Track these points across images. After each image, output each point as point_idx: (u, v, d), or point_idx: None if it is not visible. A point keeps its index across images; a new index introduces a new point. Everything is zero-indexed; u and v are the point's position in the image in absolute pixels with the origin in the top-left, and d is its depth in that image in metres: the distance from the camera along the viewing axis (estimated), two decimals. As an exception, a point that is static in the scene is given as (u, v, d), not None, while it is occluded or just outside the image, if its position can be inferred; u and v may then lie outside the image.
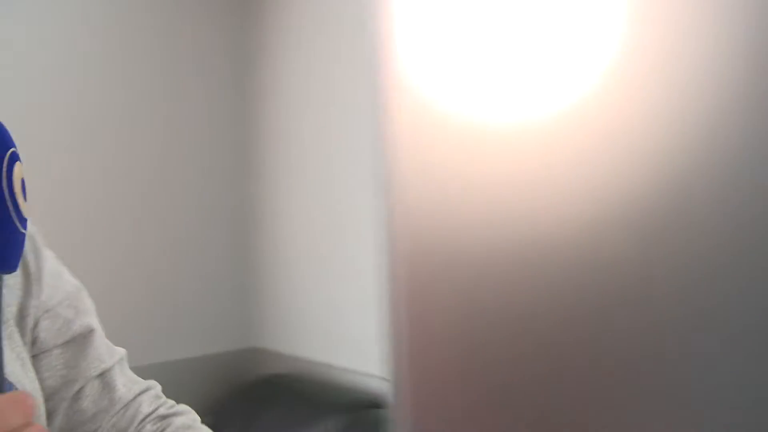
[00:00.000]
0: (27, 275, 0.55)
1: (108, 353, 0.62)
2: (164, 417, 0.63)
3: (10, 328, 0.52)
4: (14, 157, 0.43)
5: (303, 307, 1.88)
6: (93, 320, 0.62)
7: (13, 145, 0.44)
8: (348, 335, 1.70)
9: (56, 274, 0.59)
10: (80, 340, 0.59)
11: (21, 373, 0.53)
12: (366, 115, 1.52)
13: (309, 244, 1.87)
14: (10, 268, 0.42)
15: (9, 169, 0.41)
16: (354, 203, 1.69)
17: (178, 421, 0.63)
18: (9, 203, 0.41)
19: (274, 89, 2.00)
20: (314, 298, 1.85)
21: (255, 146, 2.05)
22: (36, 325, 0.56)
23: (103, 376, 0.61)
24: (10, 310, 0.52)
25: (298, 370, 1.82)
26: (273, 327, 1.97)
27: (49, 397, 0.57)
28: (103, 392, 0.60)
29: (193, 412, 0.66)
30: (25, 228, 0.43)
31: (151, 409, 0.63)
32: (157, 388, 0.66)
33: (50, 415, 0.57)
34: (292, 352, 1.88)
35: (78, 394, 0.59)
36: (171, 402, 0.66)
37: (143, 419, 0.62)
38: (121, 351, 0.64)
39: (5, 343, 0.44)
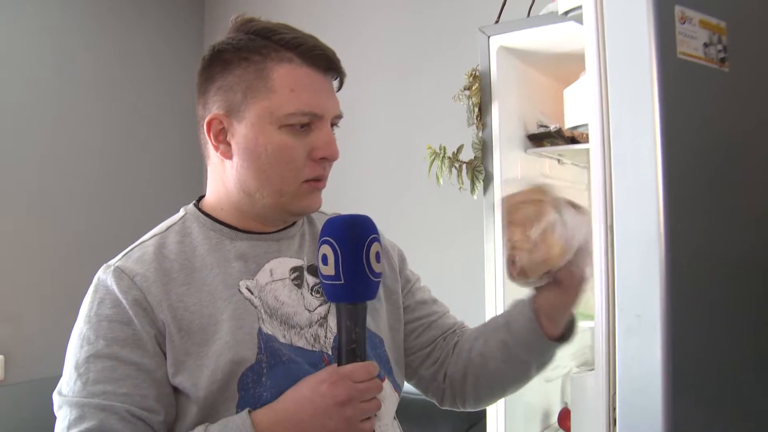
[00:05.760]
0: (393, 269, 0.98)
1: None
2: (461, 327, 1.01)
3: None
4: (373, 240, 0.76)
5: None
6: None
7: (375, 233, 0.77)
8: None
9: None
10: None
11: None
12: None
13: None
14: (372, 297, 0.78)
15: (368, 247, 0.75)
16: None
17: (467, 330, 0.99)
18: (365, 268, 0.75)
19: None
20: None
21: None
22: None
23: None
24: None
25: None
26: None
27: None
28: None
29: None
30: (377, 277, 0.77)
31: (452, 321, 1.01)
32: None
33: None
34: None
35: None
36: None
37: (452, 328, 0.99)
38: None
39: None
